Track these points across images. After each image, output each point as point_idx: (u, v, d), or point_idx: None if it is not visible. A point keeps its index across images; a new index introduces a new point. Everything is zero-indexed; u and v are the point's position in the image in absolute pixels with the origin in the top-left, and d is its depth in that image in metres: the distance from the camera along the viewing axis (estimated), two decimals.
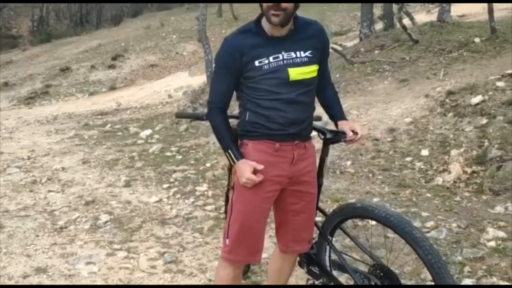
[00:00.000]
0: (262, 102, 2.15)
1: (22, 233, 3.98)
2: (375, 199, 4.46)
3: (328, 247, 2.53)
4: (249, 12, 23.53)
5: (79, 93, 16.84)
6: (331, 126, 2.46)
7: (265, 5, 2.06)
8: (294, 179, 2.25)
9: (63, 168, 6.13)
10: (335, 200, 4.48)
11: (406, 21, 9.50)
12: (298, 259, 2.64)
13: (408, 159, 5.13)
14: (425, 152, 5.10)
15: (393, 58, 8.00)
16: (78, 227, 4.17)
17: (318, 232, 2.56)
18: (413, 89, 6.80)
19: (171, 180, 5.37)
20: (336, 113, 2.39)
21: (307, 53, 2.16)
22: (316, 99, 2.35)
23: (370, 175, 4.99)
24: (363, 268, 2.46)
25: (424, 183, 4.70)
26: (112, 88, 16.84)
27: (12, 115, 12.15)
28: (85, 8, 34.24)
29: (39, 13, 32.99)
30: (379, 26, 11.16)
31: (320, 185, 2.47)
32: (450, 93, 5.84)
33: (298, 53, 2.14)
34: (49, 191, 5.22)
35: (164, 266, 3.39)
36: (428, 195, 4.46)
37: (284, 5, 2.03)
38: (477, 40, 7.80)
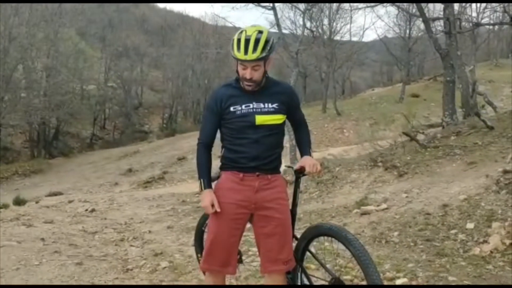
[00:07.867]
0: (233, 140, 2.78)
1: (95, 270, 4.82)
2: (409, 265, 4.64)
3: (300, 269, 2.95)
4: (352, 109, 24.49)
5: (190, 179, 18.43)
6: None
7: (240, 76, 2.72)
8: (259, 205, 2.78)
9: (150, 231, 7.09)
10: None
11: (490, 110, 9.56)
12: None
13: (453, 231, 5.22)
14: (470, 226, 5.17)
15: (466, 143, 8.09)
16: (142, 270, 4.92)
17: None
18: (478, 171, 6.86)
19: None
20: (303, 150, 2.95)
21: (274, 105, 2.78)
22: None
23: (412, 244, 5.16)
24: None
25: (462, 253, 4.76)
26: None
27: (128, 195, 13.83)
28: None
29: (169, 112, 37.18)
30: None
31: (294, 214, 2.95)
32: (506, 172, 5.89)
33: (266, 104, 2.77)
34: (131, 245, 6.13)
35: None
36: (463, 263, 4.53)
37: (254, 78, 2.69)
38: None
